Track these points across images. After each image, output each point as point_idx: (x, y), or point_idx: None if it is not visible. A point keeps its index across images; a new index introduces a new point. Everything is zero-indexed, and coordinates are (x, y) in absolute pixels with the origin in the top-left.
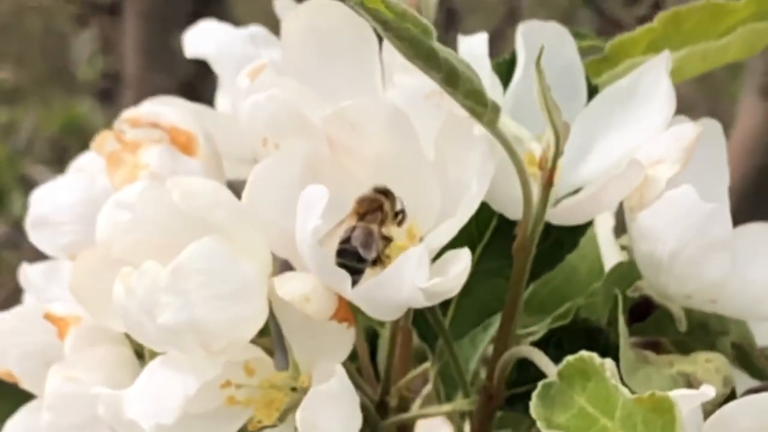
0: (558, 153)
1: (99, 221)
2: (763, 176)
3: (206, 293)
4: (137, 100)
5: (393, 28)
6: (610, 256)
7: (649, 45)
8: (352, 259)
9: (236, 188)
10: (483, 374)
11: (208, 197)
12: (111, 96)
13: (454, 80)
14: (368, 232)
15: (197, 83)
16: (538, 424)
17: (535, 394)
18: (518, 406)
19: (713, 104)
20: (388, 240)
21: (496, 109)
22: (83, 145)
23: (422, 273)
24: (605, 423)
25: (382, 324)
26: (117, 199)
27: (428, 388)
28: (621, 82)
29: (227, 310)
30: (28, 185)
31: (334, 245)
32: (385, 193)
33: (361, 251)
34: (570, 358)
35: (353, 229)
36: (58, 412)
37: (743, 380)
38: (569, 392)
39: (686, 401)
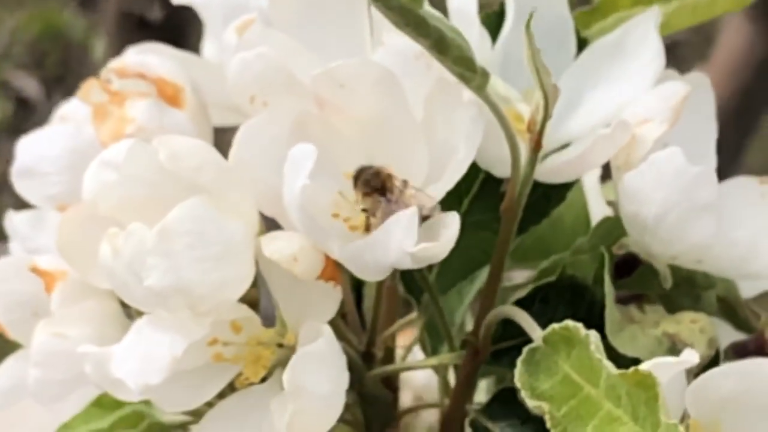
0: (547, 116)
1: (85, 180)
2: (746, 97)
3: (193, 255)
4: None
5: None
6: (597, 206)
7: None
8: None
9: (222, 135)
10: (469, 325)
11: (195, 158)
12: (91, 2)
13: (444, 47)
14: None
15: None
16: (522, 393)
17: (520, 360)
18: (504, 360)
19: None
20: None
21: (485, 75)
22: (62, 51)
23: (410, 237)
24: (589, 391)
25: None
26: (103, 158)
27: (412, 341)
28: (609, 37)
29: (214, 271)
30: (7, 90)
31: (321, 206)
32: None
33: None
34: (555, 325)
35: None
36: (45, 368)
37: (728, 332)
38: (554, 357)
39: (671, 368)
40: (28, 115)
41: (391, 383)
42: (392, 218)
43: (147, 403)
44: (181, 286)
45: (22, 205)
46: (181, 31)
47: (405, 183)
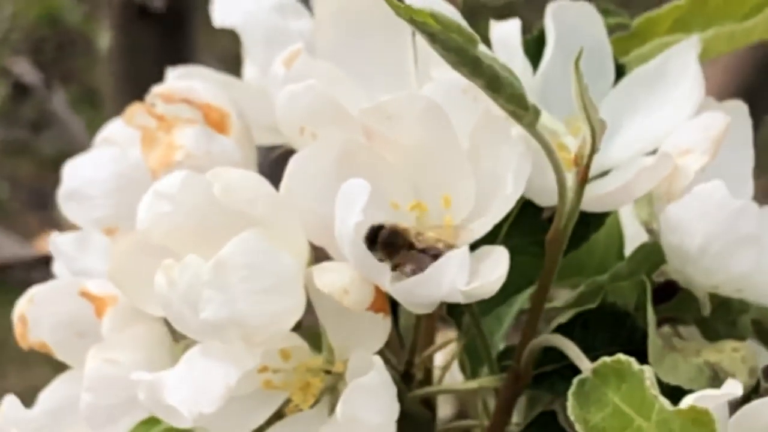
0: (594, 150)
1: (139, 210)
2: (749, 97)
3: (248, 288)
4: None
5: (440, 40)
6: (630, 225)
7: (675, 22)
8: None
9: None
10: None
11: (248, 191)
12: None
13: (497, 86)
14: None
15: None
16: (577, 426)
17: (571, 393)
18: (544, 384)
19: None
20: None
21: (536, 112)
22: (60, 37)
23: (463, 275)
24: (640, 423)
25: None
26: (157, 189)
27: (448, 359)
28: (649, 65)
29: (269, 303)
30: (5, 76)
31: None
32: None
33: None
34: (606, 359)
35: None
36: (97, 393)
37: (763, 356)
38: (603, 389)
39: (714, 400)
40: (25, 101)
41: (429, 403)
42: (444, 257)
43: None
44: (236, 319)
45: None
46: (183, 19)
47: (418, 232)
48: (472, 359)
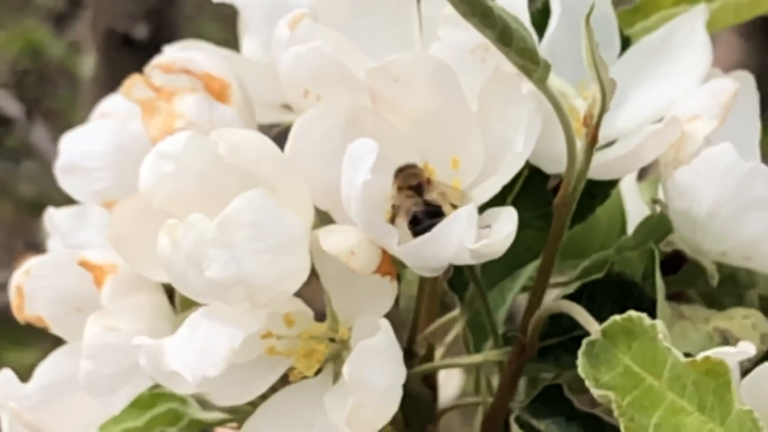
0: (604, 110)
1: (142, 172)
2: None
3: (254, 246)
4: (99, 25)
5: None
6: (633, 202)
7: None
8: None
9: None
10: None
11: (254, 150)
12: (69, 19)
13: (508, 39)
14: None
15: (163, 9)
16: (587, 383)
17: (581, 352)
18: (549, 357)
19: None
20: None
21: (547, 68)
22: (42, 70)
23: (471, 233)
24: (652, 382)
25: (404, 266)
26: (160, 149)
27: (452, 337)
28: (655, 35)
29: (274, 263)
30: None
31: (377, 201)
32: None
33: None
34: (617, 317)
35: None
36: (97, 361)
37: None
38: (613, 350)
39: (725, 359)
40: (7, 134)
41: (430, 381)
42: (453, 215)
43: (182, 401)
44: (241, 278)
45: None
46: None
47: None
48: (475, 334)
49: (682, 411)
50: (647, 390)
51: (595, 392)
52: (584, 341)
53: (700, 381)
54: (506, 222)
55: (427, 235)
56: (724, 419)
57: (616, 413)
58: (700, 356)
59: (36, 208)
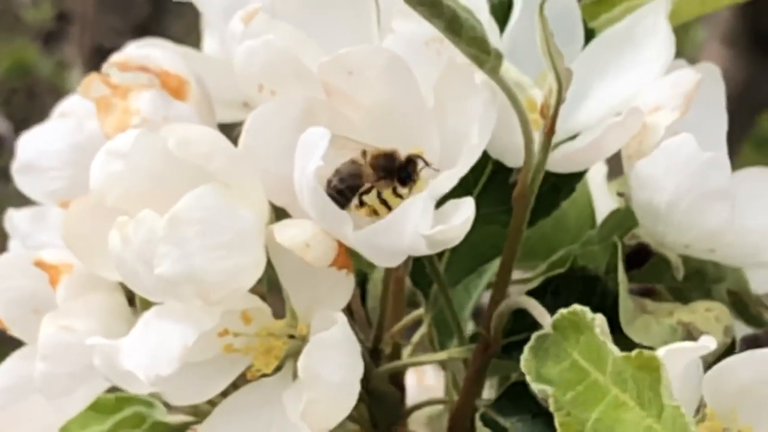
0: (560, 100)
1: (92, 170)
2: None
3: (204, 243)
4: (87, 42)
5: None
6: (602, 201)
7: None
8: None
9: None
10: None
11: (205, 145)
12: (58, 38)
13: (457, 28)
14: (355, 172)
15: (151, 25)
16: (527, 377)
17: (528, 346)
18: (514, 354)
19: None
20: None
21: (498, 57)
22: (30, 88)
23: (426, 220)
24: (597, 377)
25: (372, 267)
26: (110, 147)
27: (419, 335)
28: (618, 26)
29: (226, 259)
30: None
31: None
32: (412, 165)
33: (338, 184)
34: (563, 310)
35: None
36: (53, 361)
37: (738, 328)
38: (563, 344)
39: (687, 353)
40: None
41: (397, 380)
42: (407, 201)
43: (148, 404)
44: (192, 274)
45: None
46: None
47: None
48: (440, 332)
49: (624, 406)
50: (592, 384)
51: (535, 387)
52: (534, 335)
53: (637, 376)
54: (463, 211)
55: (382, 222)
56: (660, 414)
57: (552, 408)
58: (634, 351)
59: None
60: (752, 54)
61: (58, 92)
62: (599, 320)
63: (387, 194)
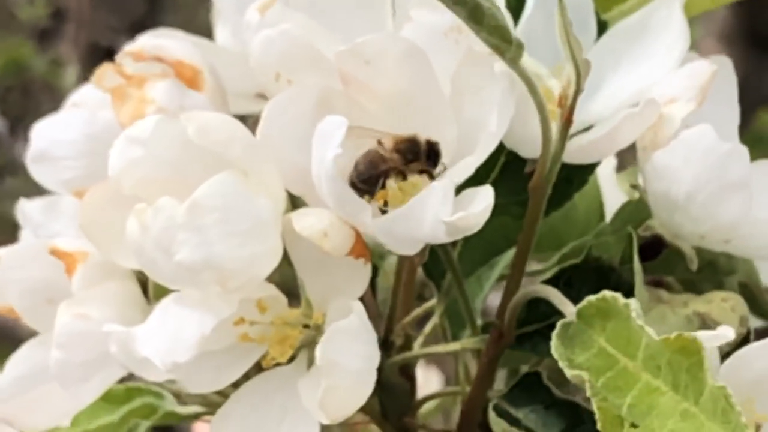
0: (579, 90)
1: (111, 157)
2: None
3: (223, 230)
4: (82, 39)
5: None
6: (612, 195)
7: None
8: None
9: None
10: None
11: (224, 132)
12: (53, 36)
13: (479, 16)
14: (373, 165)
15: (147, 22)
16: (560, 364)
17: (555, 334)
18: (527, 344)
19: None
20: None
21: (520, 47)
22: (25, 86)
23: (446, 207)
24: (626, 363)
25: (382, 258)
26: (129, 134)
27: (430, 327)
28: (632, 18)
29: (244, 247)
30: None
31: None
32: (434, 152)
33: (355, 174)
34: (591, 297)
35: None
36: (68, 349)
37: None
38: (588, 332)
39: (705, 342)
40: None
41: (408, 372)
42: (427, 188)
43: (157, 395)
44: (211, 261)
45: None
46: None
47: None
48: (452, 323)
49: (657, 391)
50: (621, 371)
51: (569, 373)
52: (559, 323)
53: (674, 360)
54: (482, 198)
55: (402, 209)
56: (698, 398)
57: (589, 393)
58: (673, 334)
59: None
60: (748, 51)
61: (53, 90)
62: (634, 304)
63: (413, 178)
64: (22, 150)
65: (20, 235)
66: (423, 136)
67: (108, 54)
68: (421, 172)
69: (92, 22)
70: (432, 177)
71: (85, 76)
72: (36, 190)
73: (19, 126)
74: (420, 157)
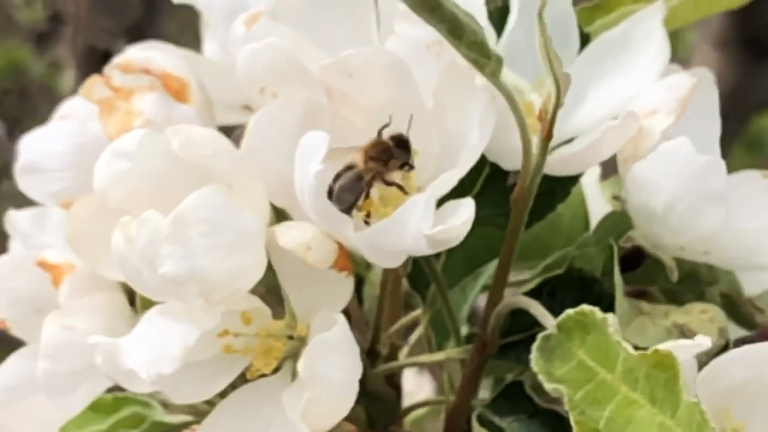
0: (558, 104)
1: (96, 169)
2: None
3: (208, 243)
4: (80, 42)
5: None
6: (596, 204)
7: None
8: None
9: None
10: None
11: (209, 146)
12: (51, 38)
13: (458, 32)
14: (355, 178)
15: (144, 26)
16: (540, 377)
17: (534, 347)
18: (510, 354)
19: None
20: (390, 184)
21: (499, 61)
22: (22, 89)
23: (428, 220)
24: (605, 376)
25: (368, 269)
26: (115, 147)
27: (416, 337)
28: (614, 31)
29: (229, 259)
30: None
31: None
32: (403, 143)
33: (336, 193)
34: (570, 311)
35: (347, 169)
36: (55, 360)
37: (731, 330)
38: (568, 344)
39: (682, 352)
40: None
41: (394, 381)
42: (409, 201)
43: (145, 404)
44: (195, 274)
45: None
46: None
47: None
48: (437, 333)
49: (635, 404)
50: (600, 384)
51: (548, 386)
52: (539, 335)
53: (651, 374)
54: (464, 210)
55: (384, 222)
56: (674, 412)
57: (567, 407)
58: (650, 349)
59: None
60: (743, 57)
61: (50, 93)
62: (612, 319)
63: (394, 176)
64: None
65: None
66: (385, 133)
67: (105, 57)
68: (401, 166)
69: (90, 26)
70: (411, 167)
71: (82, 79)
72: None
73: (17, 129)
74: (393, 153)
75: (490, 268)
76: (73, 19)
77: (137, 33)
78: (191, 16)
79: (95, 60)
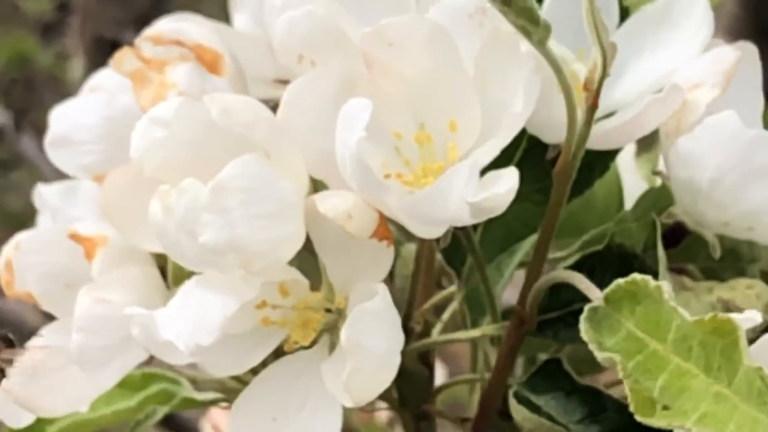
0: (605, 74)
1: (133, 138)
2: None
3: (248, 212)
4: (87, 32)
5: None
6: (631, 182)
7: None
8: None
9: None
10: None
11: (248, 114)
12: (58, 29)
13: None
14: None
15: (152, 15)
16: (591, 347)
17: (583, 318)
18: (548, 331)
19: None
20: None
21: (547, 28)
22: (29, 79)
23: (472, 187)
24: (656, 347)
25: (400, 245)
26: (152, 115)
27: (449, 314)
28: (655, 5)
29: (268, 229)
30: None
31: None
32: None
33: None
34: (620, 280)
35: None
36: (89, 333)
37: None
38: (616, 316)
39: (732, 318)
40: None
41: (426, 359)
42: (452, 168)
43: (174, 381)
44: (235, 243)
45: None
46: None
47: None
48: (472, 310)
49: (687, 374)
50: (651, 354)
51: (599, 356)
52: (586, 307)
53: (707, 341)
54: (507, 179)
55: (427, 190)
56: (731, 379)
57: (620, 375)
58: (707, 315)
59: (25, 220)
60: (756, 45)
61: (57, 83)
62: (666, 286)
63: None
64: (27, 143)
65: (37, 220)
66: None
67: (113, 47)
68: None
69: (97, 15)
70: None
71: (91, 68)
72: (40, 183)
73: (24, 119)
74: None
75: (526, 245)
76: (81, 9)
77: (145, 22)
78: (198, 6)
79: (103, 50)
